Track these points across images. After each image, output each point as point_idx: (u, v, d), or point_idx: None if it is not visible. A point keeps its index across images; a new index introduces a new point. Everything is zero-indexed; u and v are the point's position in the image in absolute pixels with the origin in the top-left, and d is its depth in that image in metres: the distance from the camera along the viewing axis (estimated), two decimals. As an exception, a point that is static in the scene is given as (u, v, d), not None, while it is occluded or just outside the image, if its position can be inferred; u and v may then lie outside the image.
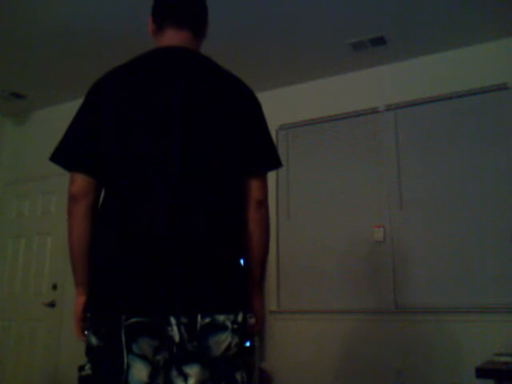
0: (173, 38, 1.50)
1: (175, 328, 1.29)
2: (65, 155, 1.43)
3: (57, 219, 4.23)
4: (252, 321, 1.45)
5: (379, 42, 3.36)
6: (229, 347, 1.32)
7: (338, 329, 3.43)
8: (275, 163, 1.52)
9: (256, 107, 1.51)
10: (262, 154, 1.49)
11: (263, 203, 1.48)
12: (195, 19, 1.53)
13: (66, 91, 4.19)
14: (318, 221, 3.66)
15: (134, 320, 1.27)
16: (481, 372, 2.26)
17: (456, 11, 3.03)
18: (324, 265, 3.57)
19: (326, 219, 3.64)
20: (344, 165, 3.68)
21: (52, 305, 4.04)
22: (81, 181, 1.39)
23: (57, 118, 4.45)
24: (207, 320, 1.31)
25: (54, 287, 4.08)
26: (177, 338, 1.29)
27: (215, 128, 1.41)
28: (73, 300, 1.43)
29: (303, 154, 3.85)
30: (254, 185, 1.46)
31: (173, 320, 1.29)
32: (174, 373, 1.30)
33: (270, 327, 3.64)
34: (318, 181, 3.74)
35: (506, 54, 3.31)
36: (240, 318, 1.36)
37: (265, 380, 3.49)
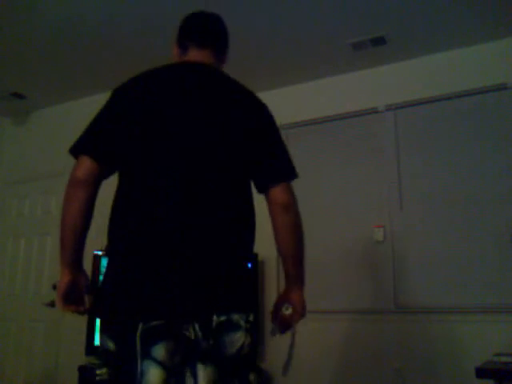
0: (195, 55, 1.62)
1: (191, 327, 1.31)
2: (78, 145, 1.45)
3: (57, 219, 4.17)
4: (288, 312, 1.53)
5: (379, 41, 3.36)
6: (242, 347, 1.36)
7: (337, 328, 3.43)
8: (293, 174, 1.57)
9: (272, 120, 1.60)
10: (282, 165, 1.56)
11: (290, 208, 1.52)
12: (216, 41, 1.67)
13: (66, 91, 4.18)
14: (318, 220, 3.66)
15: (151, 324, 1.28)
16: (481, 372, 2.26)
17: (456, 11, 3.03)
18: (324, 264, 3.56)
19: (326, 219, 3.64)
20: (344, 165, 3.68)
21: (52, 305, 4.03)
22: (87, 164, 1.40)
23: (57, 118, 4.45)
24: (222, 318, 1.34)
25: (54, 287, 4.06)
26: (192, 336, 1.31)
27: (237, 137, 1.48)
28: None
29: (303, 154, 3.85)
30: (278, 191, 1.51)
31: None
32: (188, 373, 1.32)
33: (270, 327, 3.64)
34: (317, 181, 3.73)
35: (505, 54, 3.31)
36: (251, 317, 1.40)
37: (264, 380, 3.49)
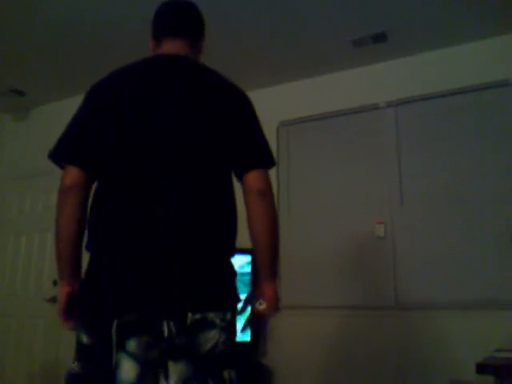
0: (170, 47, 1.55)
1: (165, 323, 1.31)
2: (61, 152, 1.45)
3: (57, 216, 4.22)
4: (262, 307, 1.51)
5: (380, 38, 3.36)
6: (216, 344, 1.34)
7: (337, 324, 3.44)
8: (269, 161, 1.54)
9: (250, 108, 1.56)
10: (258, 151, 1.52)
11: (266, 196, 1.47)
12: (191, 30, 1.60)
13: (66, 88, 4.18)
14: (318, 217, 3.66)
15: (126, 318, 1.29)
16: (481, 368, 2.26)
17: (457, 8, 3.03)
18: (325, 261, 3.57)
19: (327, 215, 3.64)
20: (345, 161, 3.67)
21: (53, 301, 4.05)
22: (75, 173, 1.41)
23: (57, 114, 4.44)
24: (197, 316, 1.33)
25: (55, 283, 4.08)
26: (166, 332, 1.30)
27: (212, 128, 1.46)
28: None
29: (304, 151, 3.85)
30: (254, 178, 1.47)
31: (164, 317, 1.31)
32: (161, 369, 1.32)
33: (271, 322, 3.64)
34: (318, 177, 3.73)
35: (506, 50, 3.30)
36: (229, 316, 1.38)
37: (266, 375, 3.50)
